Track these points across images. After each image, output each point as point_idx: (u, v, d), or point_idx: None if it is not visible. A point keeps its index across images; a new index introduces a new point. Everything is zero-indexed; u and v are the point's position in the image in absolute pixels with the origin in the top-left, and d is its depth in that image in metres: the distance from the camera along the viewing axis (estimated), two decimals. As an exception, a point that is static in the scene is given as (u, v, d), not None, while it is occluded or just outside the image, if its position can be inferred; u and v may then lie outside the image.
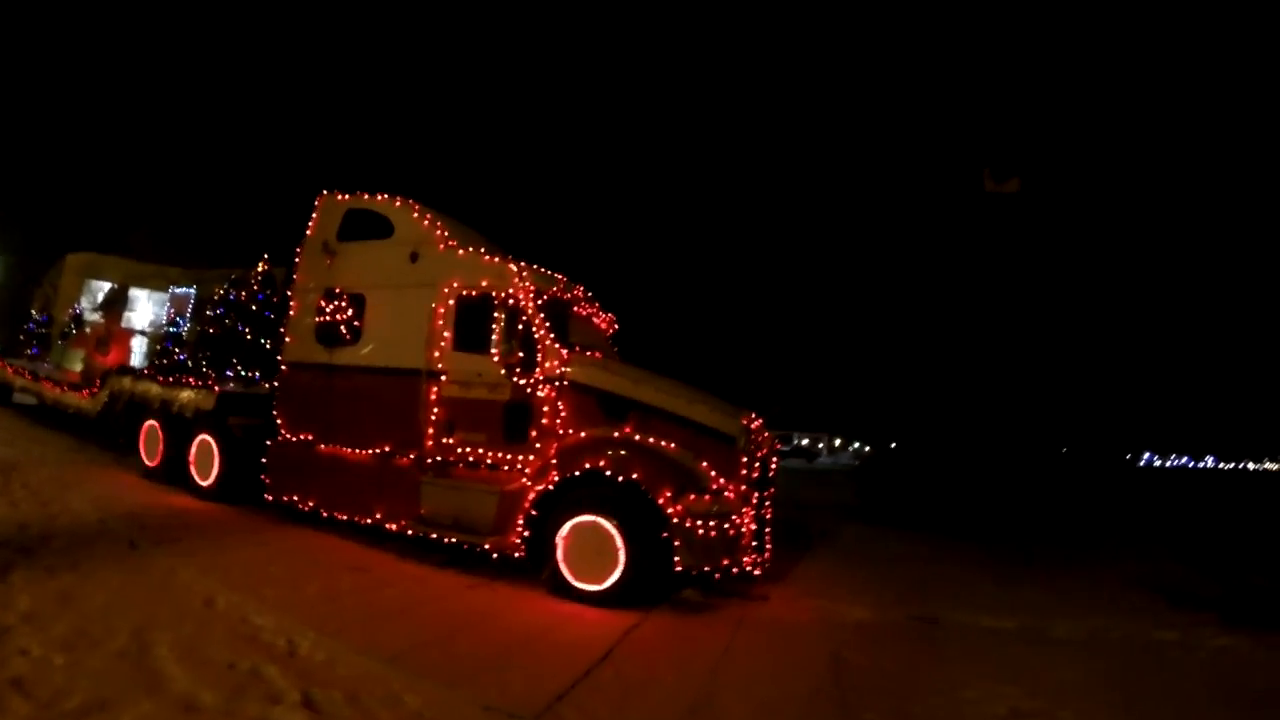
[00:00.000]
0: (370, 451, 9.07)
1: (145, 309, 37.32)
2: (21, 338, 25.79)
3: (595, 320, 9.95)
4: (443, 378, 8.55)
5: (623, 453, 7.65)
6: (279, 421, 10.08)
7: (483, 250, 8.91)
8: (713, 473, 7.74)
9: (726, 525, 7.46)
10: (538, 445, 8.05)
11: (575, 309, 9.40)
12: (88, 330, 19.48)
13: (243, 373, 13.90)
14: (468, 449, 8.39)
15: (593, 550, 7.48)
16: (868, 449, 66.21)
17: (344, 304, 9.53)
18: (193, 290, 20.78)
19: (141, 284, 38.26)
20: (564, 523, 7.59)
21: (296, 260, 10.27)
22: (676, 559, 7.27)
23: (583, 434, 7.95)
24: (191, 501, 10.55)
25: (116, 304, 19.33)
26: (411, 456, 8.70)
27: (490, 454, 8.29)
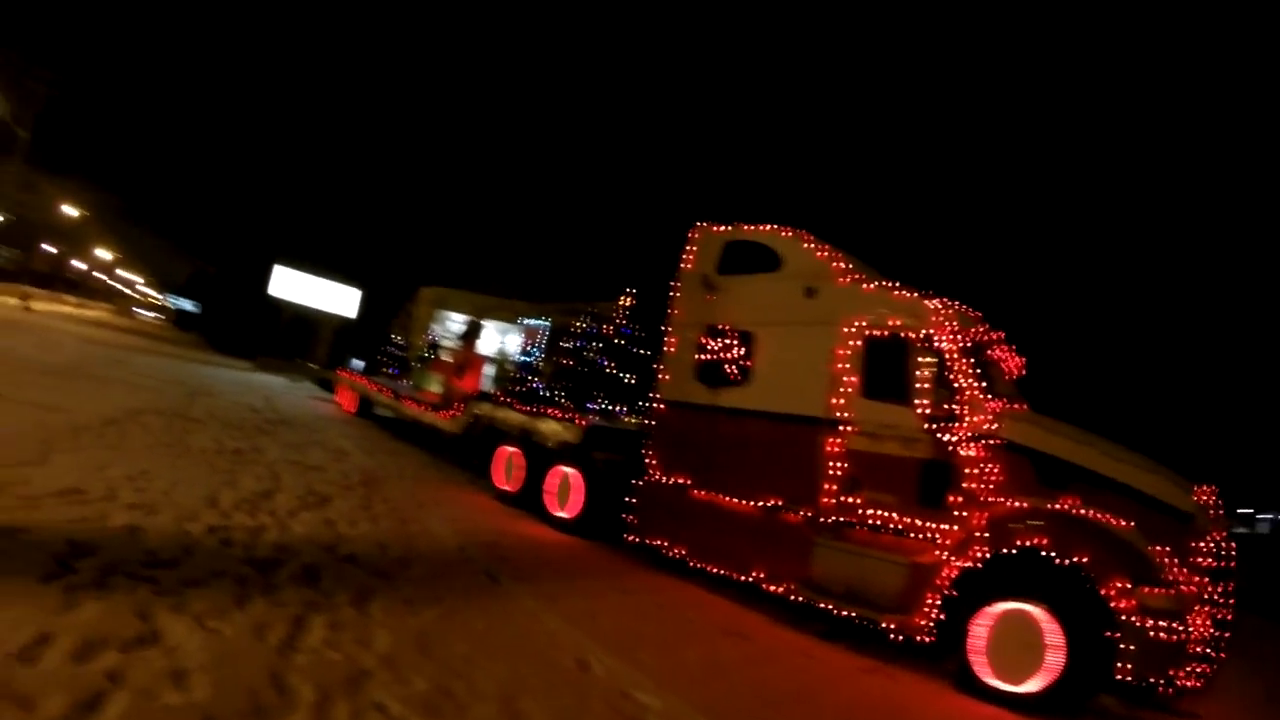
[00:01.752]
0: (755, 504, 8.38)
1: (490, 339, 40.16)
2: (381, 359, 28.31)
3: (1006, 365, 8.63)
4: (847, 428, 7.77)
5: (1067, 529, 6.46)
6: (649, 461, 9.70)
7: (891, 284, 8.07)
8: (1166, 559, 6.40)
9: (1181, 626, 6.13)
10: (958, 513, 6.98)
11: (990, 352, 8.24)
12: (446, 356, 20.57)
13: (605, 406, 13.71)
14: (873, 511, 7.49)
15: (1017, 644, 6.37)
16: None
17: (730, 342, 9.04)
18: (546, 322, 21.45)
19: (487, 315, 41.32)
20: (986, 608, 6.55)
21: (672, 295, 9.89)
22: (1119, 664, 6.04)
23: (1015, 503, 6.78)
24: (546, 532, 10.36)
25: (474, 333, 20.22)
26: (804, 514, 7.93)
27: (900, 519, 7.33)
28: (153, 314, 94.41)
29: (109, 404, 12.56)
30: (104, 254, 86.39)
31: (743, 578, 8.26)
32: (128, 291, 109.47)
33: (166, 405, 14.36)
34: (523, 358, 17.89)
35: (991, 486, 6.91)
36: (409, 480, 12.18)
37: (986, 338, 8.16)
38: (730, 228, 9.51)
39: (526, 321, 24.84)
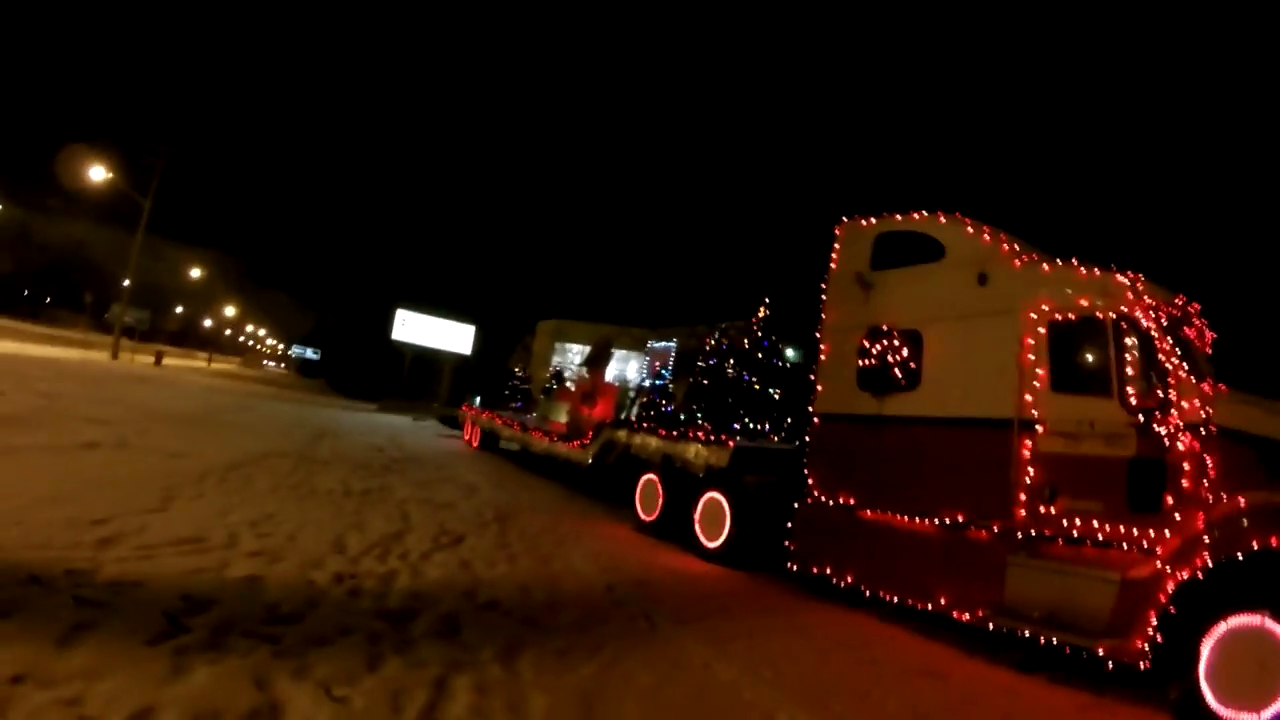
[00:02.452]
0: (935, 521, 7.44)
1: (613, 366, 39.88)
2: (506, 393, 28.06)
3: (1201, 342, 7.45)
4: (1038, 428, 6.81)
5: None
6: (810, 481, 8.88)
7: (1073, 262, 7.12)
8: None
9: None
10: (1174, 517, 5.95)
11: (1187, 328, 7.17)
12: (571, 385, 19.98)
13: (751, 425, 12.73)
14: (1074, 521, 6.50)
15: (1256, 665, 5.19)
16: None
17: (894, 343, 8.21)
18: (673, 344, 20.68)
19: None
20: (1215, 625, 5.40)
21: (822, 299, 9.14)
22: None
23: (1242, 499, 5.67)
24: (696, 564, 9.53)
25: (601, 360, 19.56)
26: (994, 529, 6.95)
27: (1106, 528, 6.30)
28: (277, 364, 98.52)
29: (235, 449, 12.26)
30: (230, 311, 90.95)
31: (925, 606, 7.35)
32: (254, 345, 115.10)
33: (292, 448, 14.07)
34: (653, 381, 17.14)
35: (1212, 482, 5.89)
36: (543, 514, 11.47)
37: (1184, 312, 7.17)
38: (879, 220, 8.80)
39: (653, 345, 24.18)
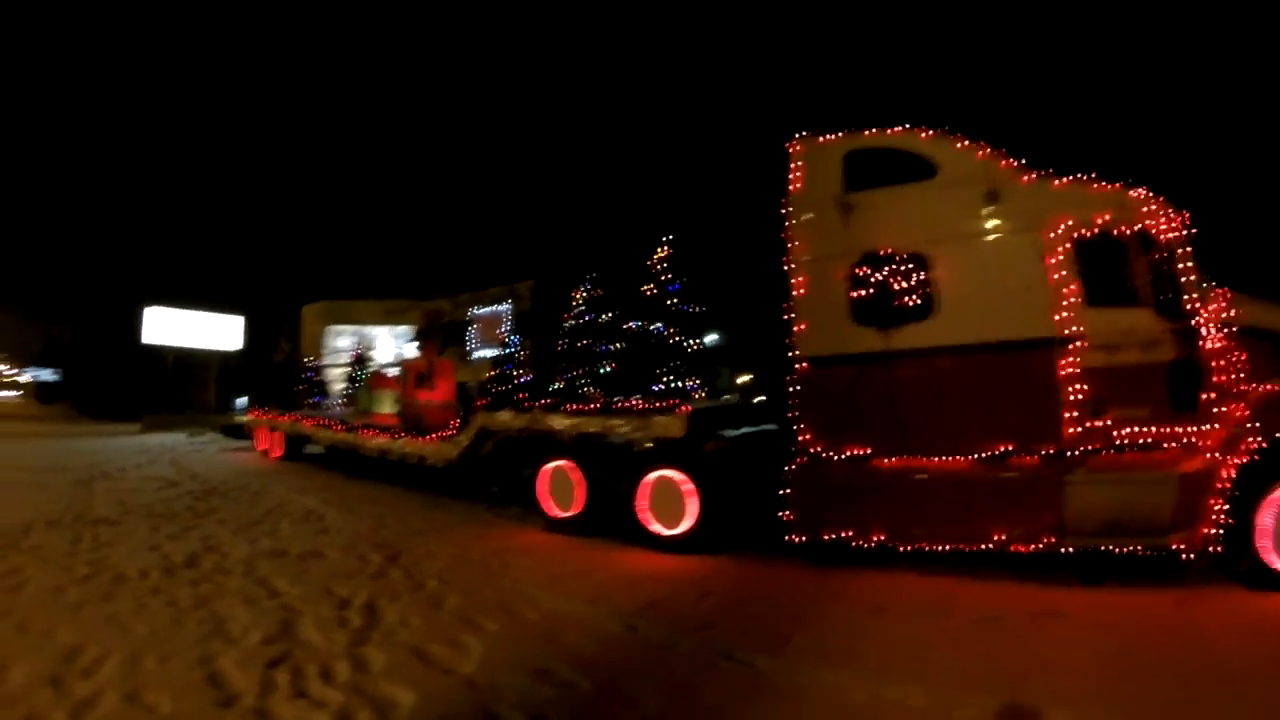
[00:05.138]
0: (974, 456, 7.14)
1: (387, 344, 36.60)
2: (300, 388, 24.47)
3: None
4: (1077, 344, 6.92)
5: None
6: (804, 438, 7.87)
7: (1085, 178, 7.25)
8: None
9: None
10: (1215, 410, 6.60)
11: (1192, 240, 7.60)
12: (389, 370, 17.14)
13: (675, 384, 10.63)
14: (1124, 429, 6.75)
15: None
16: None
17: (898, 269, 7.61)
18: (504, 307, 18.13)
19: (393, 320, 37.64)
20: (1267, 496, 6.31)
21: (787, 226, 8.18)
22: None
23: (1274, 387, 6.60)
24: (670, 561, 8.02)
25: (431, 335, 16.85)
26: (1046, 451, 6.92)
27: (1154, 430, 6.69)
28: (12, 393, 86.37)
29: (-24, 529, 8.85)
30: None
31: (977, 547, 7.09)
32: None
33: (59, 506, 10.70)
34: (500, 351, 14.68)
35: (1244, 375, 6.68)
36: (434, 539, 8.96)
37: (1189, 226, 7.33)
38: (844, 136, 8.13)
39: (477, 311, 21.48)
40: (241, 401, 35.60)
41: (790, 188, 8.26)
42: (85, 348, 49.34)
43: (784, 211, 8.21)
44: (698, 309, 11.24)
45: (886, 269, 7.64)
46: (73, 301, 55.55)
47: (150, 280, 39.82)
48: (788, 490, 7.85)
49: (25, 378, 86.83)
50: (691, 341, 10.85)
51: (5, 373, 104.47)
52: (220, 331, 35.54)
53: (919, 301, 7.49)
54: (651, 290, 11.34)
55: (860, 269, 7.77)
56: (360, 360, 21.19)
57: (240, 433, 23.47)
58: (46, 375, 69.01)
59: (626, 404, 9.16)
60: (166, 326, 33.66)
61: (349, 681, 4.61)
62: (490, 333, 18.08)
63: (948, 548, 7.23)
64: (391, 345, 36.68)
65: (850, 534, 7.57)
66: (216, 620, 5.73)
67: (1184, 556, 6.53)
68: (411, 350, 34.81)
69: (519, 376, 13.18)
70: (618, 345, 11.34)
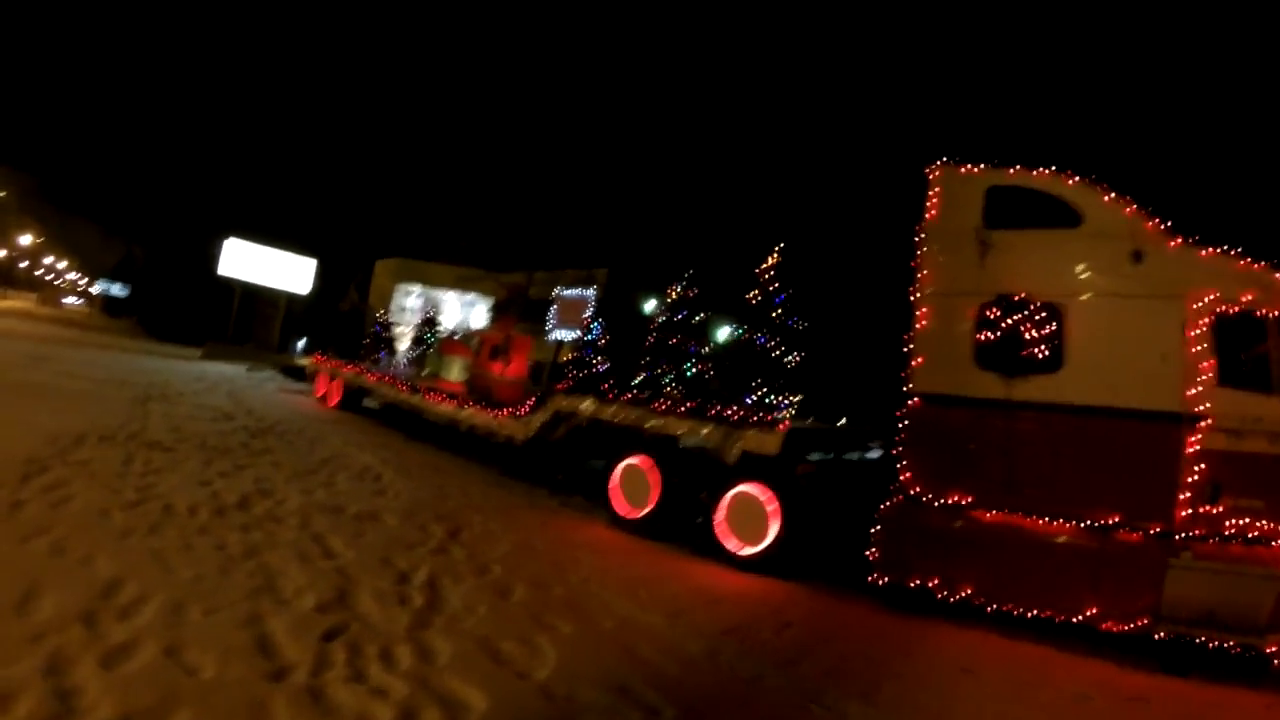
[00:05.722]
0: (1082, 524, 6.84)
1: (454, 309, 36.37)
2: (367, 341, 24.19)
3: None
4: (1204, 423, 6.61)
5: None
6: (906, 475, 7.54)
7: (1232, 251, 6.99)
8: None
9: None
10: None
11: None
12: (463, 337, 16.70)
13: (771, 398, 10.06)
14: (1237, 519, 6.49)
15: None
16: None
17: (1031, 317, 7.29)
18: (590, 292, 17.58)
19: (466, 287, 37.43)
20: None
21: (919, 254, 7.86)
22: None
23: None
24: (743, 580, 7.65)
25: (511, 309, 16.32)
26: (1154, 529, 6.61)
27: (1266, 525, 6.41)
28: (79, 301, 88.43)
29: (31, 429, 8.58)
30: (25, 240, 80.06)
31: (1067, 618, 6.76)
32: (54, 279, 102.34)
33: (114, 421, 10.40)
34: (570, 333, 14.22)
35: None
36: (496, 519, 8.50)
37: None
38: (987, 170, 7.79)
39: (562, 292, 20.92)
40: (300, 344, 35.66)
41: (926, 214, 7.96)
42: (158, 268, 49.96)
43: (917, 239, 7.89)
44: (802, 324, 10.66)
45: (1019, 315, 7.33)
46: (154, 223, 56.41)
47: (232, 213, 40.04)
48: (878, 529, 7.50)
49: (95, 289, 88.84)
50: (790, 358, 10.29)
51: (77, 281, 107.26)
52: (292, 272, 35.45)
53: (1048, 353, 7.20)
54: (757, 298, 10.75)
55: (991, 310, 7.46)
56: (429, 322, 20.83)
57: (300, 374, 23.35)
58: (116, 289, 70.33)
59: (722, 410, 8.71)
60: (242, 259, 33.66)
61: (412, 670, 4.20)
62: (571, 315, 17.53)
63: (1030, 613, 6.92)
64: (457, 310, 36.49)
65: (936, 584, 7.24)
66: (267, 574, 5.31)
67: (1277, 662, 6.19)
68: (478, 318, 34.60)
69: (598, 364, 12.68)
70: (707, 348, 10.89)
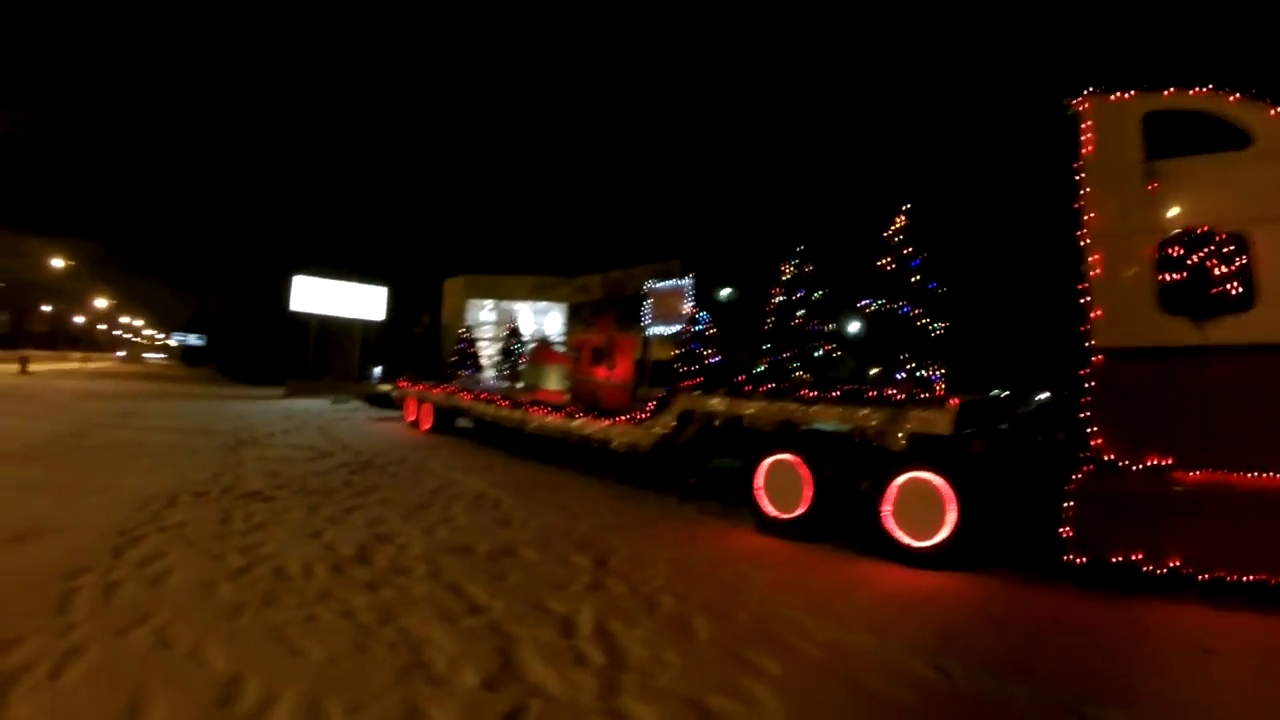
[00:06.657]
0: None
1: (528, 320, 35.80)
2: (453, 359, 23.76)
3: None
4: None
5: None
6: (1098, 441, 6.80)
7: None
8: None
9: None
10: None
11: None
12: (554, 344, 15.90)
13: (919, 372, 8.99)
14: None
15: None
16: None
17: (1215, 250, 6.57)
18: (686, 281, 16.53)
19: (528, 296, 36.89)
20: None
21: (1081, 194, 7.14)
22: None
23: None
24: (929, 579, 6.76)
25: (607, 310, 15.49)
26: None
27: None
28: (159, 355, 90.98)
29: (122, 496, 7.92)
30: (101, 303, 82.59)
31: None
32: (130, 337, 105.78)
33: (206, 474, 9.90)
34: (668, 328, 13.29)
35: None
36: (639, 538, 7.73)
37: None
38: (1140, 95, 7.11)
39: (654, 285, 19.95)
40: (377, 371, 35.48)
41: (1083, 150, 7.25)
42: (231, 314, 50.72)
43: (1078, 178, 7.15)
44: (942, 288, 9.50)
45: (1203, 250, 6.63)
46: (220, 272, 57.56)
47: (298, 251, 40.25)
48: (1070, 503, 6.74)
49: (172, 341, 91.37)
50: (934, 327, 9.17)
51: (154, 336, 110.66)
52: (364, 301, 35.55)
53: (1239, 290, 6.52)
54: (890, 264, 9.61)
55: (1171, 248, 6.78)
56: (514, 333, 20.19)
57: (385, 401, 23.03)
58: (193, 339, 71.98)
59: (882, 392, 7.97)
60: (313, 294, 33.79)
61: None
62: (665, 309, 16.57)
63: (1256, 579, 6.21)
64: (531, 320, 35.92)
65: (1141, 557, 6.55)
66: (410, 644, 4.46)
67: None
68: (553, 325, 33.91)
69: (709, 356, 11.74)
70: (830, 326, 9.84)
